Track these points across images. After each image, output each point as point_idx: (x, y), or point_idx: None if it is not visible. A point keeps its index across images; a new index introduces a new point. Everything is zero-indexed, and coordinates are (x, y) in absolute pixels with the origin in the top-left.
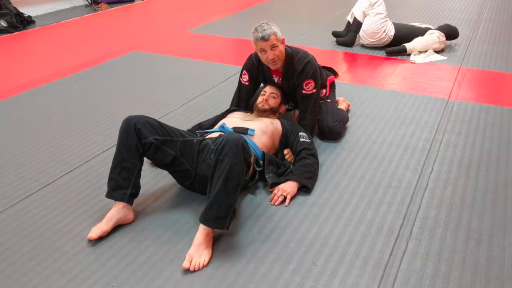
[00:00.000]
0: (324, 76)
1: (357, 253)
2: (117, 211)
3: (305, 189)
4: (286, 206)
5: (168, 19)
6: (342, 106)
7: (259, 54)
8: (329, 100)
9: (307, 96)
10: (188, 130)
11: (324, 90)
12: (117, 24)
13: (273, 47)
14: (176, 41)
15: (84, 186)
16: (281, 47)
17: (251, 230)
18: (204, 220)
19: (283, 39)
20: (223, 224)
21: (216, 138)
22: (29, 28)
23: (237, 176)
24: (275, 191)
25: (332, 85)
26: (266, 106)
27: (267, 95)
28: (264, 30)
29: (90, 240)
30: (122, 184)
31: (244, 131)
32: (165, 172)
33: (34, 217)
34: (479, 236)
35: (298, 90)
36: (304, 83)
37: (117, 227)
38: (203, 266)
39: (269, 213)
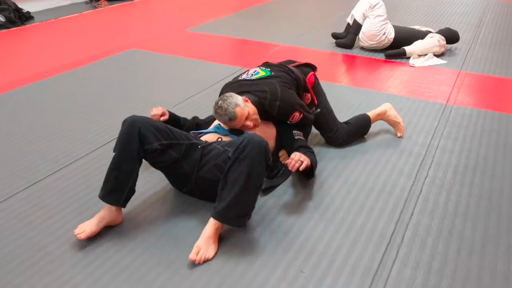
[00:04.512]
0: (302, 82)
1: (346, 260)
2: (109, 213)
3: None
4: (301, 170)
5: (167, 17)
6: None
7: None
8: (318, 110)
9: (296, 123)
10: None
11: (308, 95)
12: (116, 22)
13: (246, 119)
14: (174, 40)
15: (72, 185)
16: (251, 109)
17: (238, 235)
18: (223, 218)
19: (245, 98)
20: (243, 222)
21: (228, 142)
22: (27, 23)
23: (259, 177)
24: (292, 156)
25: (315, 84)
26: (255, 127)
27: (250, 121)
28: (227, 110)
29: (78, 239)
30: (118, 188)
31: (239, 133)
32: (159, 176)
33: (19, 216)
34: (472, 245)
35: (287, 124)
36: (290, 119)
37: (105, 229)
38: (207, 260)
39: (258, 217)
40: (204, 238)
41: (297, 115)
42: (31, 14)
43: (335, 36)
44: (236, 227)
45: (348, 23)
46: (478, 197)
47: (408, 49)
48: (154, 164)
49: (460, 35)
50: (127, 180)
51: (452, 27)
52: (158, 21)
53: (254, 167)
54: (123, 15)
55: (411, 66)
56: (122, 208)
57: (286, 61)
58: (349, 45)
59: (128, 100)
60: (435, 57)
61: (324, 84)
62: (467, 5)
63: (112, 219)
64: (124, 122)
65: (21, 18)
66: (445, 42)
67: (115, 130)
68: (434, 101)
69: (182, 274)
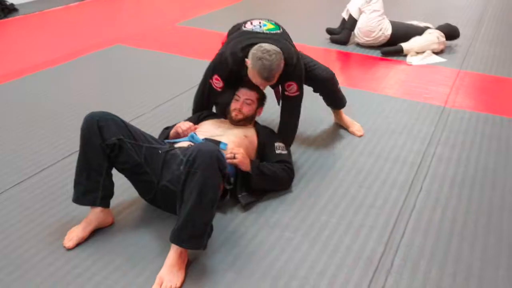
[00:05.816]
0: None
1: None
2: (94, 215)
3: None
4: (227, 159)
5: (156, 10)
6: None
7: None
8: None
9: (290, 98)
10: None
11: None
12: (103, 15)
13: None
14: (163, 35)
15: (36, 198)
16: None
17: (212, 257)
18: (177, 240)
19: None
20: (199, 243)
21: (186, 148)
22: (10, 16)
23: (213, 190)
24: (233, 150)
25: None
26: (240, 116)
27: (241, 103)
28: (272, 66)
29: (66, 249)
30: (92, 187)
31: (216, 144)
32: (126, 186)
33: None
34: (469, 270)
35: (282, 90)
36: (286, 85)
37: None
38: None
39: (236, 237)
40: (167, 267)
41: (295, 88)
42: (15, 6)
43: (329, 31)
44: (192, 249)
45: (344, 18)
46: (476, 213)
47: (405, 46)
48: (116, 166)
49: (460, 31)
50: (99, 177)
51: (451, 22)
52: (146, 13)
53: (207, 180)
54: (111, 7)
55: (408, 64)
56: (109, 209)
57: None
58: (344, 41)
59: (106, 101)
60: (433, 55)
61: None
62: None
63: (100, 222)
64: (84, 118)
65: (4, 10)
66: (444, 39)
67: None
68: (431, 103)
69: None
